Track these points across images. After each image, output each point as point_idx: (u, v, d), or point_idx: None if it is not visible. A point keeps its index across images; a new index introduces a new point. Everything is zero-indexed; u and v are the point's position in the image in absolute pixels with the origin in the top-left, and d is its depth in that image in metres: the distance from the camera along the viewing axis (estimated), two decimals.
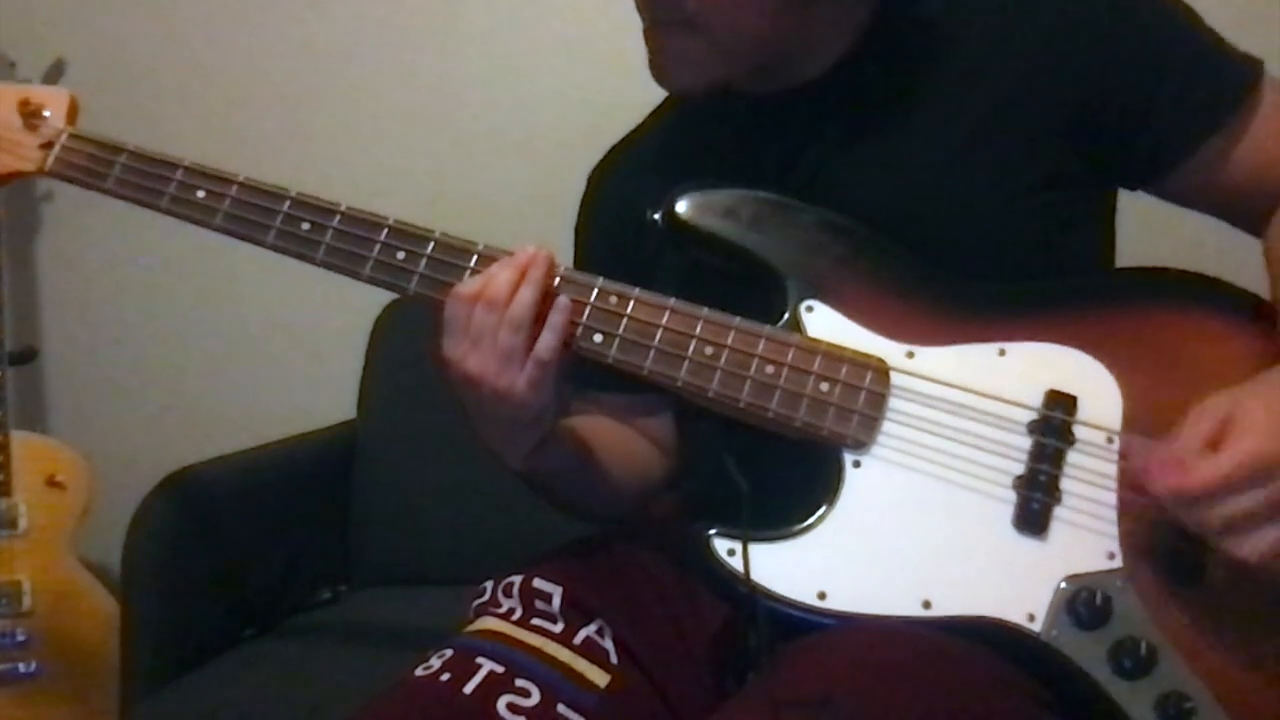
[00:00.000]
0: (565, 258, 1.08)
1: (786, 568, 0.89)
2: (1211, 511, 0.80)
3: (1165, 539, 0.86)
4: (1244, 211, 0.99)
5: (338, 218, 0.99)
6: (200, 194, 1.02)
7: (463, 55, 2.01)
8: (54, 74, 2.06)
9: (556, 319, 0.93)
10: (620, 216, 1.12)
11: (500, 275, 0.92)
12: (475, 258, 0.97)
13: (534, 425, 0.97)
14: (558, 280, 0.95)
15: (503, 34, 1.99)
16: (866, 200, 0.96)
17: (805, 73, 1.01)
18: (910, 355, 0.93)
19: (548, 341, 0.92)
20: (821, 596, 0.88)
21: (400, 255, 0.98)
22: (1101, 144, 0.96)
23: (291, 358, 2.11)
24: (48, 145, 1.07)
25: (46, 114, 1.08)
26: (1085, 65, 0.94)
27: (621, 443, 1.14)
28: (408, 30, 2.03)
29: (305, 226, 0.99)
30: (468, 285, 0.93)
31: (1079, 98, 0.95)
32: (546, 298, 0.93)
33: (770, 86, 1.04)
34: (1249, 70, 0.97)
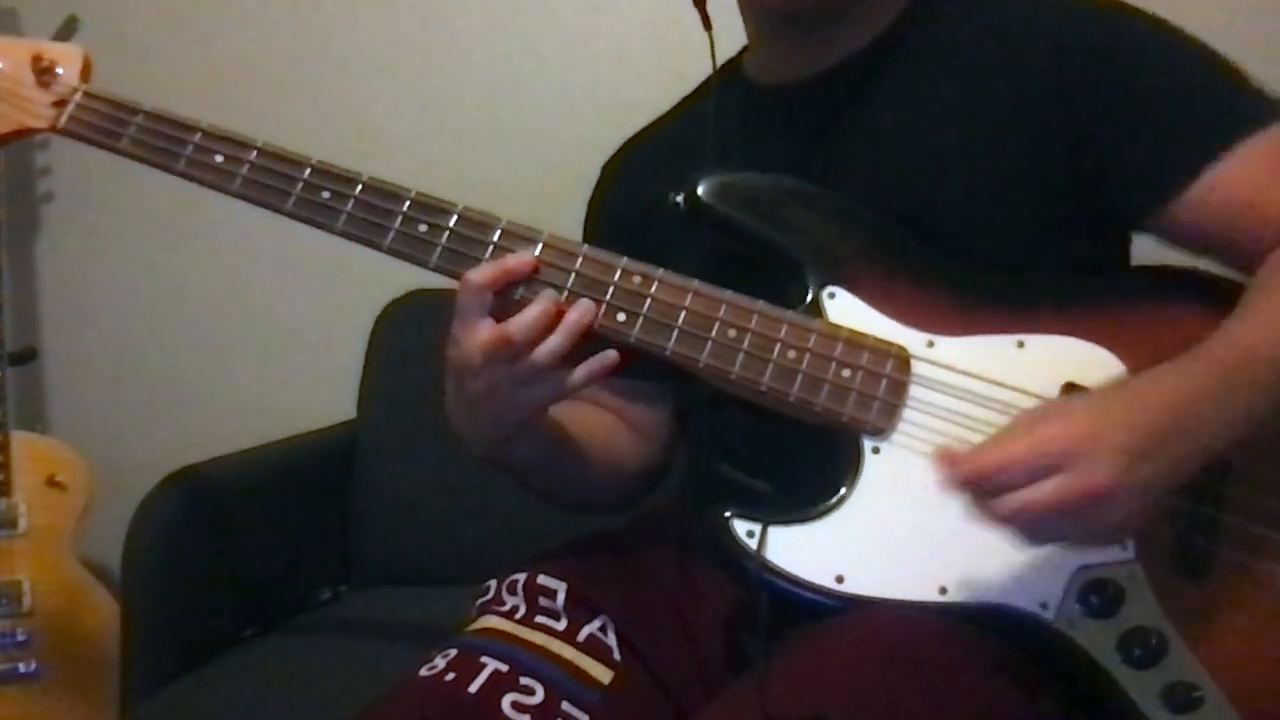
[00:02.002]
0: None
1: (804, 550, 0.89)
2: (1003, 499, 0.78)
3: (1177, 530, 0.86)
4: (1235, 259, 0.94)
5: (359, 187, 0.97)
6: (218, 158, 1.00)
7: (472, 49, 2.01)
8: (66, 32, 2.02)
9: (576, 378, 0.93)
10: (631, 204, 1.12)
11: (532, 314, 0.90)
12: (498, 233, 0.96)
13: (516, 426, 0.96)
14: (540, 249, 0.94)
15: (511, 27, 1.99)
16: (873, 196, 0.96)
17: (829, 58, 1.02)
18: (930, 344, 0.93)
19: (547, 391, 0.93)
20: (839, 580, 0.88)
21: (423, 227, 0.96)
22: (1088, 181, 0.94)
23: (291, 358, 2.10)
24: (61, 103, 1.04)
25: (60, 71, 1.04)
26: (1076, 94, 0.93)
27: (605, 434, 1.13)
28: (417, 20, 2.02)
29: (326, 195, 0.98)
30: (511, 326, 0.90)
31: (1072, 126, 0.93)
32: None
33: (785, 77, 1.05)
34: (1256, 111, 0.92)
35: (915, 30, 1.00)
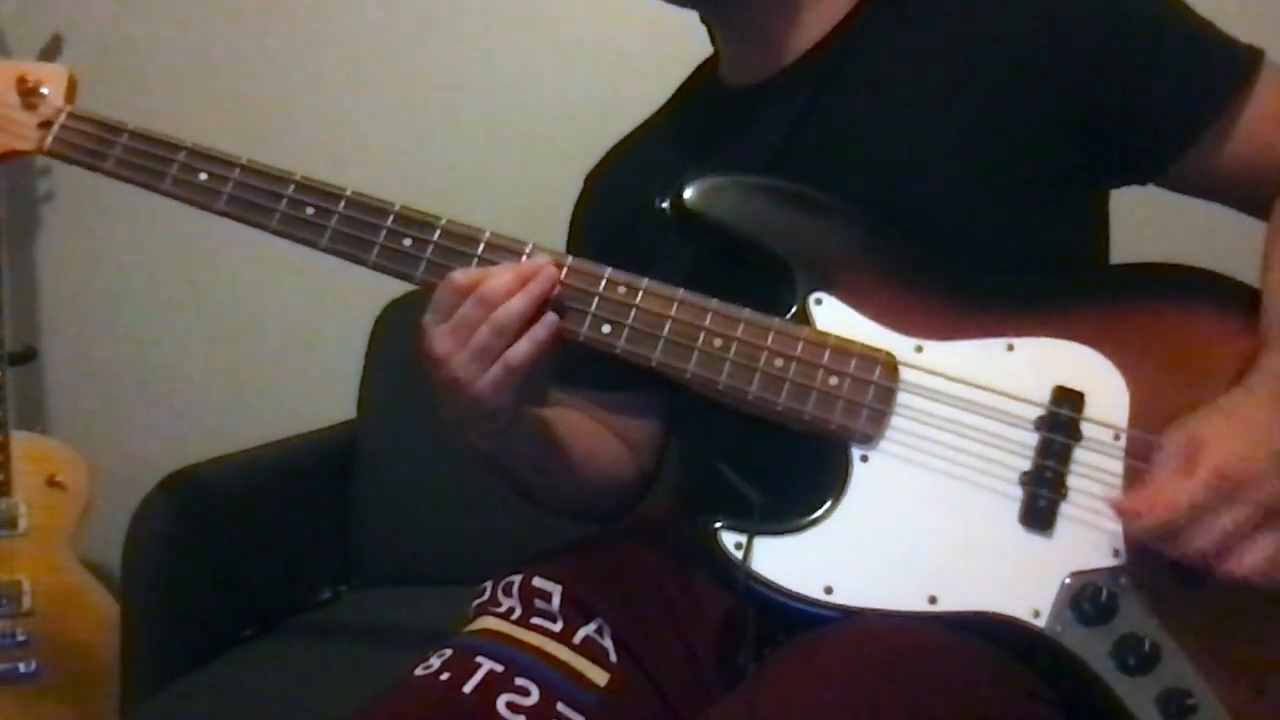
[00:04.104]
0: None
1: (793, 562, 0.88)
2: (1198, 536, 0.80)
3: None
4: (1247, 197, 0.98)
5: (343, 202, 0.98)
6: (203, 176, 1.00)
7: (465, 53, 2.01)
8: (51, 51, 2.04)
9: (540, 333, 0.92)
10: (616, 213, 1.12)
11: (501, 276, 0.92)
12: (482, 245, 0.96)
13: (487, 419, 0.96)
14: (557, 290, 0.94)
15: (504, 33, 1.99)
16: (855, 192, 0.96)
17: (790, 51, 1.02)
18: (919, 349, 0.92)
19: (522, 351, 0.91)
20: (828, 591, 0.87)
21: (407, 241, 0.97)
22: (1100, 144, 0.96)
23: (291, 358, 2.10)
24: (46, 124, 1.04)
25: (45, 91, 1.05)
26: (1076, 64, 0.94)
27: (592, 439, 1.13)
28: (410, 24, 2.02)
29: (310, 211, 0.98)
30: (465, 274, 0.92)
31: (1073, 97, 0.94)
32: (539, 309, 0.93)
33: (750, 76, 1.05)
34: (1245, 56, 0.96)
35: (881, 15, 1.00)
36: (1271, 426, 0.82)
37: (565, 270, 0.95)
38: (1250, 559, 0.80)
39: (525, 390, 0.95)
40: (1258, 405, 0.84)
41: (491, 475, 1.06)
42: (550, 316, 0.93)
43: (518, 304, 0.91)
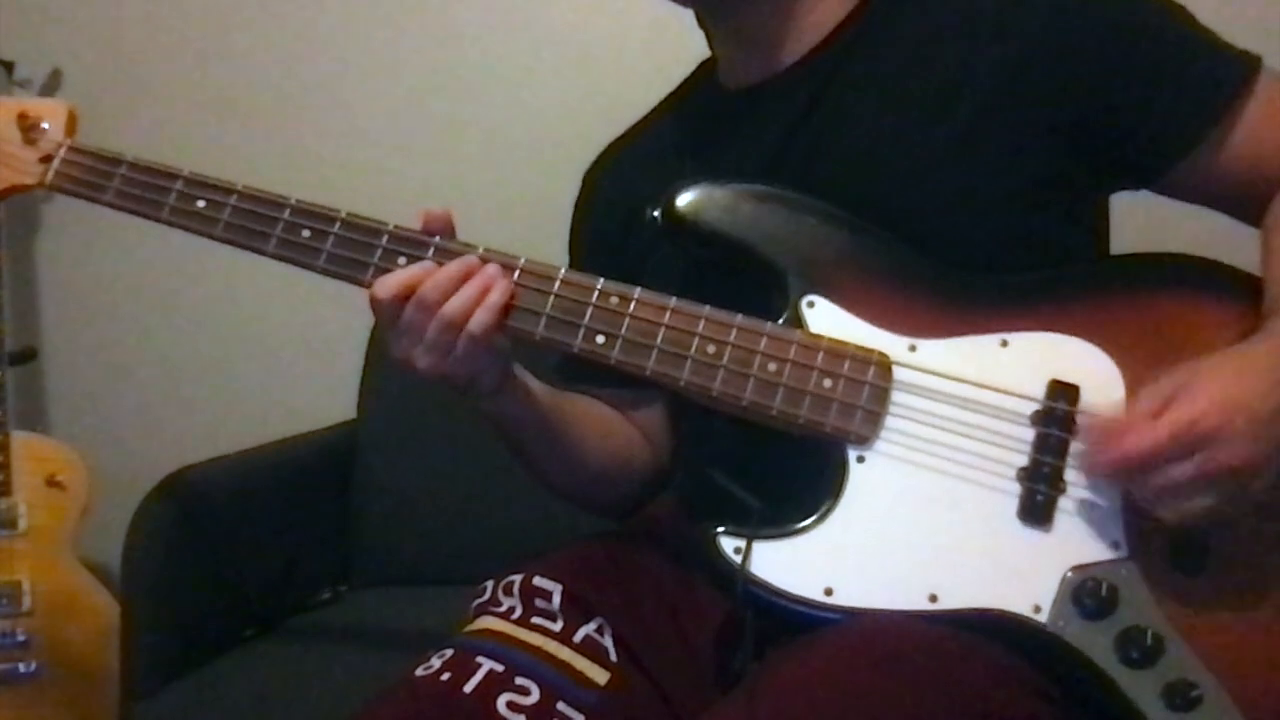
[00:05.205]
0: (559, 258, 1.08)
1: (793, 565, 0.88)
2: (1148, 480, 0.82)
3: (1170, 527, 0.86)
4: (1243, 203, 0.98)
5: (338, 224, 0.98)
6: (200, 204, 1.01)
7: (463, 56, 2.01)
8: (52, 84, 2.06)
9: (494, 298, 0.93)
10: (613, 213, 1.12)
11: (437, 278, 0.92)
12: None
13: (473, 386, 0.97)
14: (517, 274, 0.95)
15: (504, 34, 1.99)
16: (852, 195, 0.96)
17: (788, 54, 1.02)
18: (912, 349, 0.92)
19: (483, 321, 0.93)
20: (828, 593, 0.88)
21: (401, 260, 0.97)
22: (1096, 148, 0.95)
23: (291, 358, 2.10)
24: (47, 159, 1.06)
25: (45, 126, 1.08)
26: (1075, 68, 0.94)
27: (607, 421, 1.13)
28: (407, 34, 2.03)
29: (306, 234, 0.99)
30: (395, 282, 0.93)
31: (1069, 104, 0.94)
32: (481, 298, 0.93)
33: (746, 79, 1.04)
34: (1244, 64, 0.96)
35: (878, 20, 1.00)
36: (1258, 388, 0.82)
37: (558, 283, 0.95)
38: (1183, 510, 0.82)
39: (503, 346, 0.96)
40: (1252, 361, 0.84)
41: (505, 443, 1.06)
42: (502, 284, 0.93)
43: (460, 301, 0.92)
